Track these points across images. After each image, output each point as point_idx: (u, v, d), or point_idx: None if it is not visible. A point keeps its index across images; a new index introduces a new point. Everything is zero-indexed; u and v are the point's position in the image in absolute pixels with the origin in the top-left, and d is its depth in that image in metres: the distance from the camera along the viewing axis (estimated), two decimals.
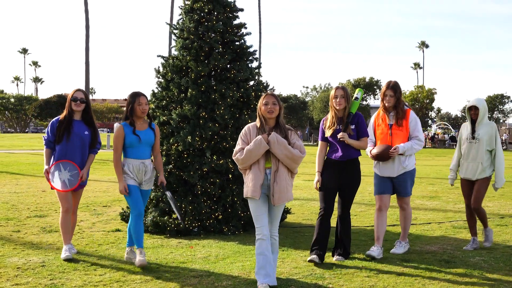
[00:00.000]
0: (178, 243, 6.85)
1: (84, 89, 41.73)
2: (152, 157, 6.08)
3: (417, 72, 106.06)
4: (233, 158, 5.14)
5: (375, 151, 6.32)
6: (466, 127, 6.85)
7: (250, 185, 5.03)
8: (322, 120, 6.33)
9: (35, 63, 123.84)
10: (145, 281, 5.15)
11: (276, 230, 5.21)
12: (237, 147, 5.14)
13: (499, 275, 5.49)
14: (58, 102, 45.75)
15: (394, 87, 6.37)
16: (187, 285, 5.09)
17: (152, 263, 5.86)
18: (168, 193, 5.87)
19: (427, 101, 54.73)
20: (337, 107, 6.06)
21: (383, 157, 6.28)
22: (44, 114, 46.50)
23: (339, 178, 6.07)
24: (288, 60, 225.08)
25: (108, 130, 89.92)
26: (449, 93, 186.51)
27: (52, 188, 6.09)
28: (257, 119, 5.21)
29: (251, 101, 7.94)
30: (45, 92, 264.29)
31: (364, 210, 9.90)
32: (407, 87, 74.62)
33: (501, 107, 62.65)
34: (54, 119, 6.22)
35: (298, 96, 76.85)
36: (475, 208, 6.67)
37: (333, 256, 6.16)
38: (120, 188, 5.75)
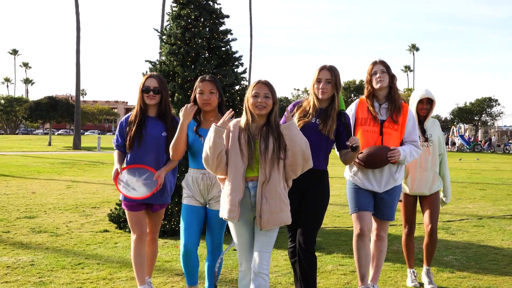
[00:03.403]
0: (164, 243, 7.07)
1: (75, 91, 42.11)
2: None
3: (407, 75, 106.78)
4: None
5: (363, 153, 4.57)
6: None
7: (226, 200, 3.81)
8: (292, 105, 4.54)
9: (25, 64, 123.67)
10: (131, 279, 5.36)
11: (267, 266, 3.79)
12: None
13: (469, 273, 5.77)
14: (48, 103, 45.60)
15: (384, 62, 4.76)
16: (170, 282, 5.32)
17: None
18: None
19: None
20: (319, 96, 4.38)
21: (376, 162, 4.55)
22: (34, 116, 46.30)
23: (303, 194, 4.35)
24: (280, 62, 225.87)
25: (99, 132, 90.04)
26: (439, 96, 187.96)
27: (126, 197, 4.56)
28: (243, 114, 3.93)
29: (236, 106, 8.16)
30: (35, 94, 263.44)
31: (347, 211, 10.11)
32: None
33: (489, 110, 63.31)
34: (123, 118, 4.76)
35: (289, 98, 77.28)
36: (434, 231, 5.31)
37: None
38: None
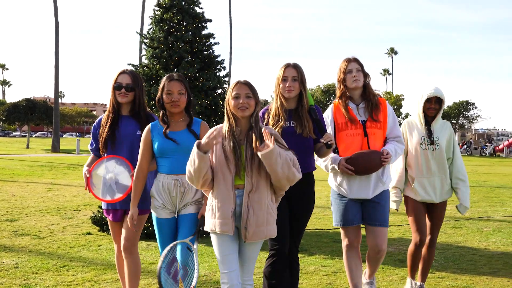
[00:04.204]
0: (147, 245, 7.12)
1: (54, 93, 41.68)
2: None
3: (386, 78, 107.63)
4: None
5: (352, 160, 4.28)
6: (415, 128, 4.88)
7: (217, 214, 3.50)
8: (261, 113, 4.26)
9: (2, 66, 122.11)
10: (116, 281, 5.41)
11: (251, 277, 3.67)
12: None
13: (447, 273, 5.93)
14: (26, 106, 45.17)
15: (358, 60, 4.53)
16: (155, 284, 5.37)
17: None
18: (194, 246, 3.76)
19: (395, 107, 55.87)
20: (286, 95, 4.17)
21: (369, 167, 4.28)
22: (12, 118, 45.86)
23: (290, 201, 4.11)
24: (259, 65, 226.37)
25: (78, 134, 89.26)
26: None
27: (95, 196, 4.46)
28: (225, 120, 3.63)
29: (218, 109, 8.25)
30: (13, 96, 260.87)
31: (328, 213, 10.27)
32: None
33: (466, 113, 64.38)
34: (96, 121, 4.49)
35: (269, 101, 77.54)
36: (433, 243, 5.00)
37: None
38: (129, 215, 4.09)
